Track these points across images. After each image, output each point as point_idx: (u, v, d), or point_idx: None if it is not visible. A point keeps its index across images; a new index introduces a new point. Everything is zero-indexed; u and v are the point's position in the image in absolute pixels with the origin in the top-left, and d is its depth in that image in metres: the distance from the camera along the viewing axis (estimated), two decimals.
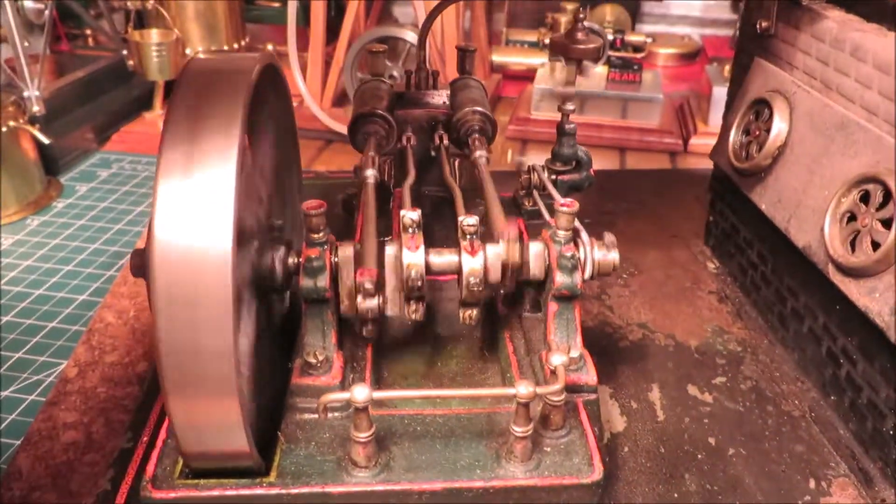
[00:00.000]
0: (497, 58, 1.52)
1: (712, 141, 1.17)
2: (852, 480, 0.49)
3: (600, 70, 1.36)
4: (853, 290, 0.46)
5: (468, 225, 0.44)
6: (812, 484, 0.49)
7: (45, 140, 1.04)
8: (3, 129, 0.98)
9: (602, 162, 1.16)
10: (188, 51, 1.27)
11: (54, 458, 0.58)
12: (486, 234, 0.46)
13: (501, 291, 0.55)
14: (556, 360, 0.41)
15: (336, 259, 0.45)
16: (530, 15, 1.74)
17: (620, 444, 0.52)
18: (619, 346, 0.61)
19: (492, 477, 0.40)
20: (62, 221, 1.00)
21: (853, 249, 0.46)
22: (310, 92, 1.24)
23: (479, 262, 0.44)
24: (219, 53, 1.32)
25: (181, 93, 0.38)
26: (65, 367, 0.68)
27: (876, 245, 0.44)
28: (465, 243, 0.44)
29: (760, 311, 0.64)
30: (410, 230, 0.44)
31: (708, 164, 0.73)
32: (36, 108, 1.12)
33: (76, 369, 0.67)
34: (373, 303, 0.44)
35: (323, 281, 0.44)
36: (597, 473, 0.40)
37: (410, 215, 0.44)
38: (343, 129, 1.21)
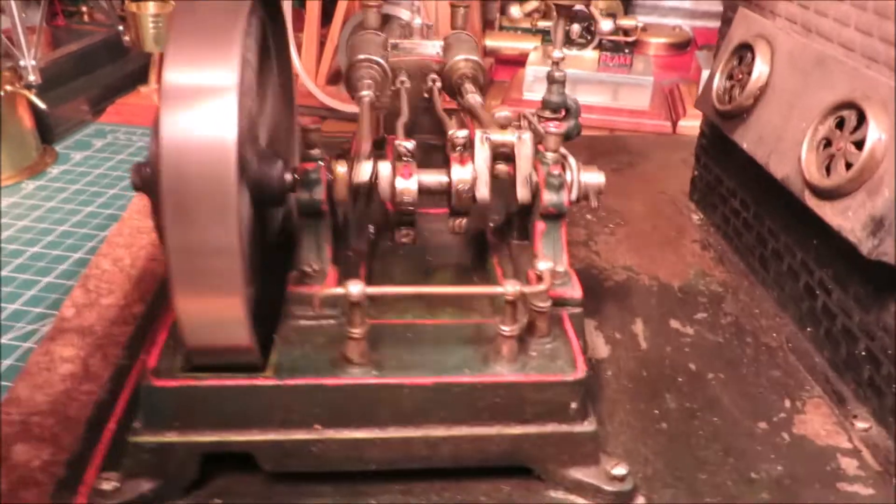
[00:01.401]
0: (490, 42, 1.54)
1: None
2: (826, 401, 0.51)
3: (592, 54, 1.38)
4: (828, 212, 0.48)
5: (458, 137, 0.46)
6: (787, 403, 0.51)
7: (42, 105, 1.05)
8: (1, 93, 0.99)
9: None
10: None
11: (52, 387, 0.59)
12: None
13: (490, 224, 0.57)
14: (543, 265, 0.42)
15: (329, 175, 0.46)
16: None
17: (604, 368, 0.53)
18: (604, 285, 0.63)
19: (480, 374, 0.41)
20: (57, 186, 1.01)
21: (828, 174, 0.48)
22: (305, 70, 1.25)
23: (467, 171, 0.46)
24: None
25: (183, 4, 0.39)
26: (62, 308, 0.69)
27: (849, 166, 0.46)
28: (454, 154, 0.46)
29: (742, 256, 0.66)
30: (405, 158, 0.46)
31: (691, 134, 0.75)
32: (32, 78, 1.13)
33: (73, 310, 0.68)
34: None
35: (319, 194, 0.46)
36: (580, 373, 0.42)
37: (405, 144, 0.46)
38: (338, 106, 1.23)
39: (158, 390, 0.39)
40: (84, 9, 1.48)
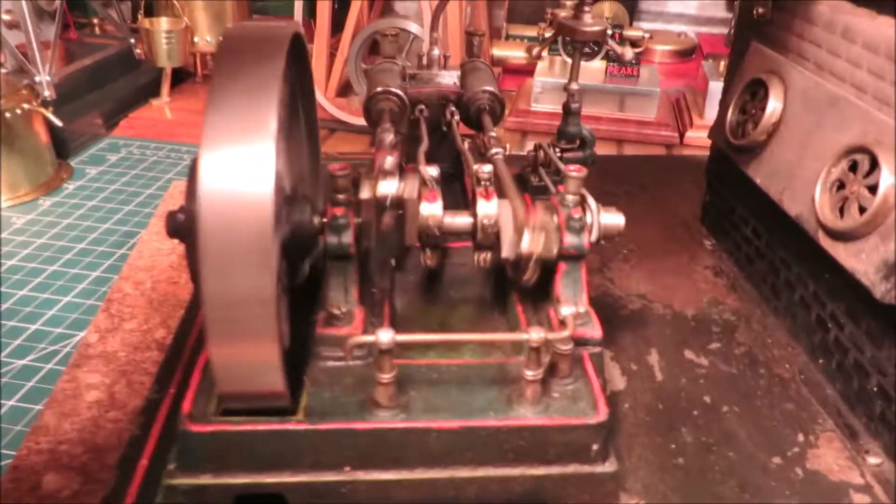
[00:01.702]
0: (497, 52, 1.55)
1: None
2: (838, 435, 0.52)
3: (598, 64, 1.39)
4: (841, 253, 0.49)
5: (484, 172, 0.47)
6: (801, 437, 0.52)
7: (58, 122, 1.07)
8: (18, 111, 1.01)
9: (601, 153, 1.19)
10: (196, 39, 1.29)
11: (79, 415, 0.60)
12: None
13: (522, 276, 0.58)
14: (566, 310, 0.44)
15: (357, 218, 0.48)
16: (530, 10, 1.77)
17: (621, 400, 0.55)
18: (619, 314, 0.64)
19: (505, 417, 0.43)
20: (73, 202, 1.03)
21: (842, 215, 0.50)
22: (315, 81, 1.26)
23: (493, 206, 0.47)
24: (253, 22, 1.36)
25: (223, 56, 0.40)
26: (86, 333, 0.70)
27: (862, 210, 0.48)
28: (480, 189, 0.47)
29: (754, 284, 0.67)
30: (430, 184, 0.47)
31: (705, 154, 0.76)
32: (47, 93, 1.15)
33: (97, 335, 0.70)
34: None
35: (347, 238, 0.47)
36: (602, 415, 0.43)
37: (430, 171, 0.47)
38: (347, 118, 1.24)
39: (194, 435, 0.41)
40: (95, 21, 1.50)
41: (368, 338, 0.41)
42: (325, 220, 0.48)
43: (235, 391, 0.40)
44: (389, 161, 0.44)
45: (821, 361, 0.57)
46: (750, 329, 0.62)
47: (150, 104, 1.33)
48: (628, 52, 0.64)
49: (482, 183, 0.48)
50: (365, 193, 0.47)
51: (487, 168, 0.48)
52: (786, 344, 0.61)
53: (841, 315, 0.55)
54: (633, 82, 1.34)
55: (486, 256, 0.49)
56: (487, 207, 0.47)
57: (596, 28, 0.64)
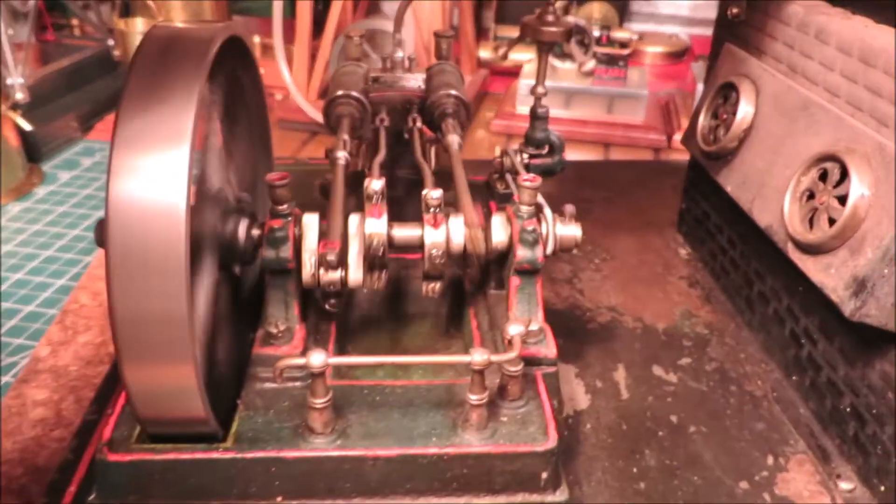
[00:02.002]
0: (485, 53, 1.52)
1: None
2: (810, 457, 0.49)
3: (591, 65, 1.36)
4: (810, 267, 0.47)
5: (432, 198, 0.44)
6: (770, 460, 0.49)
7: (28, 127, 1.04)
8: None
9: (587, 157, 1.17)
10: None
11: (22, 434, 0.58)
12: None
13: (468, 269, 0.56)
14: (513, 329, 0.41)
15: (297, 230, 0.45)
16: (519, 12, 1.75)
17: (583, 420, 0.52)
18: (587, 328, 0.62)
19: (447, 444, 0.40)
20: (43, 208, 1.00)
21: (811, 227, 0.47)
22: (295, 84, 1.24)
23: (441, 234, 0.44)
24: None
25: (140, 60, 0.38)
26: (37, 347, 0.68)
27: (832, 221, 0.45)
28: (428, 216, 0.44)
29: (729, 295, 0.64)
30: (374, 199, 0.44)
31: (683, 159, 0.74)
32: (19, 96, 1.12)
33: (48, 348, 0.67)
34: (335, 275, 0.44)
35: (286, 252, 0.44)
36: (551, 442, 0.40)
37: (374, 184, 0.44)
38: None
39: (112, 465, 0.38)
40: (74, 22, 1.47)
41: (299, 360, 0.39)
42: (263, 231, 0.45)
43: (154, 416, 0.38)
44: (332, 254, 0.41)
45: (794, 378, 0.54)
46: (723, 343, 0.60)
47: None
48: (589, 63, 0.61)
49: (430, 209, 0.45)
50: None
51: (436, 194, 0.45)
52: (759, 360, 0.58)
53: (814, 331, 0.52)
54: (621, 84, 1.32)
55: (434, 287, 0.47)
56: (435, 235, 0.44)
57: (556, 29, 0.61)
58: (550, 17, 0.61)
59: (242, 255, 0.45)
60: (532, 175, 0.46)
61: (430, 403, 0.43)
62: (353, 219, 0.45)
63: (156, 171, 0.35)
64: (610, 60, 1.34)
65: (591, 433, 0.51)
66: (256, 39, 1.44)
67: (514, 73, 1.43)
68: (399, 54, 0.69)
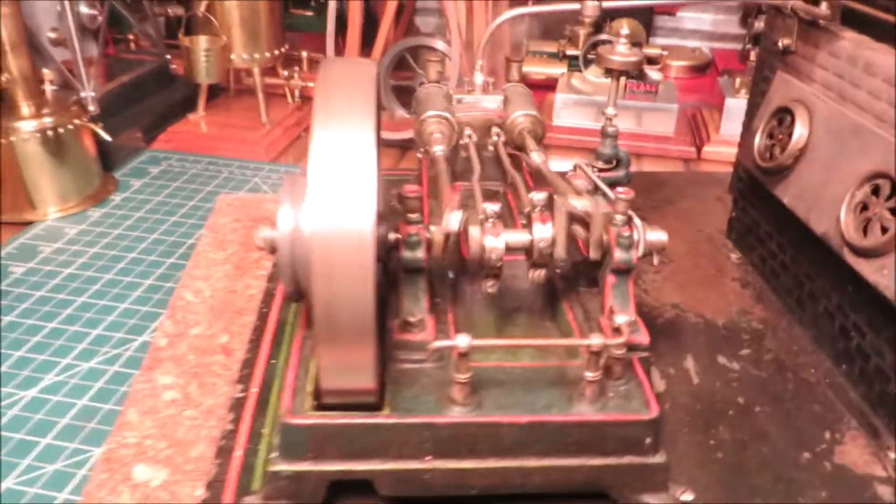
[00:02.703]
0: (527, 68, 1.60)
1: (725, 149, 1.26)
2: (862, 433, 0.57)
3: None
4: (865, 268, 0.54)
5: (538, 199, 0.52)
6: (828, 435, 0.57)
7: (107, 137, 1.12)
8: (70, 126, 1.06)
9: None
10: (233, 56, 1.35)
11: (159, 413, 0.65)
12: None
13: (558, 271, 0.63)
14: (621, 318, 0.49)
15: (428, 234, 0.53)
16: (546, 27, 1.83)
17: (662, 401, 0.60)
18: (655, 323, 0.69)
19: (567, 414, 0.48)
20: (121, 213, 1.08)
21: (865, 234, 0.55)
22: None
23: (548, 229, 0.52)
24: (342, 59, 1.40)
25: (323, 89, 0.45)
26: (155, 338, 0.76)
27: (885, 230, 0.53)
28: (535, 214, 0.52)
29: (779, 296, 0.72)
30: (491, 220, 0.52)
31: (723, 168, 0.81)
32: (91, 108, 1.20)
33: (166, 339, 0.75)
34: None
35: (420, 253, 0.52)
36: (654, 412, 0.48)
37: (492, 207, 0.52)
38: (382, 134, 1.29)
39: (295, 427, 0.46)
40: (131, 37, 1.55)
41: (448, 342, 0.46)
42: (398, 235, 0.53)
43: (334, 387, 0.45)
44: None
45: (844, 367, 0.62)
46: (777, 337, 0.68)
47: (187, 118, 1.38)
48: (655, 75, 0.69)
49: (536, 209, 0.53)
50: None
51: (541, 196, 0.53)
52: (811, 351, 0.66)
53: (863, 325, 0.60)
54: (652, 98, 1.39)
55: (540, 274, 0.54)
56: (543, 231, 0.52)
57: (632, 59, 0.69)
58: (624, 48, 0.69)
59: (382, 256, 0.53)
60: (626, 189, 0.54)
61: (545, 382, 0.51)
62: (475, 229, 0.53)
63: (348, 185, 0.42)
64: (641, 75, 1.42)
65: (669, 412, 0.59)
66: (304, 54, 1.52)
67: (548, 86, 1.51)
68: (479, 78, 0.77)
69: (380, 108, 0.62)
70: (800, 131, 0.64)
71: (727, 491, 0.52)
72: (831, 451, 0.56)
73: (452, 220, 0.52)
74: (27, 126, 1.02)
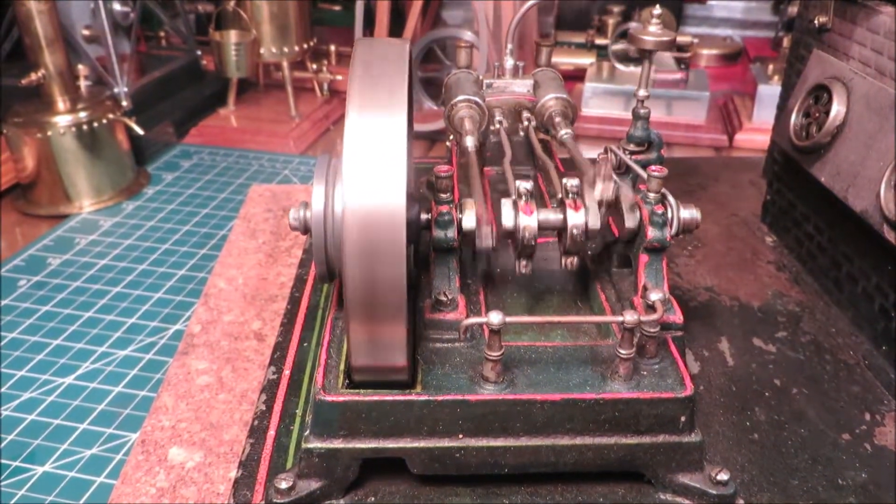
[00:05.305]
0: (557, 59, 1.59)
1: (758, 137, 1.25)
2: None
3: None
4: None
5: (572, 185, 0.52)
6: (867, 417, 0.56)
7: (140, 131, 1.14)
8: (104, 121, 1.08)
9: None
10: (262, 50, 1.36)
11: (193, 397, 0.66)
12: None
13: (589, 252, 0.63)
14: (655, 296, 0.48)
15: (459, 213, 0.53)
16: (573, 16, 1.82)
17: (696, 383, 0.59)
18: (689, 305, 0.69)
19: (601, 391, 0.47)
20: (154, 206, 1.09)
21: None
22: None
23: (581, 216, 0.52)
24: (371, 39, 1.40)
25: (358, 71, 0.45)
26: (189, 325, 0.76)
27: None
28: (569, 201, 0.52)
29: (816, 278, 0.71)
30: (525, 198, 0.52)
31: (759, 154, 0.80)
32: (125, 103, 1.22)
33: (199, 326, 0.76)
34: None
35: (452, 233, 0.52)
36: (688, 390, 0.48)
37: (525, 185, 0.52)
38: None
39: (329, 404, 0.46)
40: (161, 34, 1.57)
41: (481, 319, 0.46)
42: (429, 216, 0.53)
43: (365, 365, 0.46)
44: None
45: (884, 349, 0.61)
46: (814, 319, 0.66)
47: (217, 113, 1.40)
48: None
49: (570, 195, 0.52)
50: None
51: (574, 182, 0.52)
52: (849, 333, 0.64)
53: None
54: (682, 86, 1.38)
55: (572, 261, 0.54)
56: (576, 218, 0.52)
57: (665, 38, 0.68)
58: (656, 28, 0.68)
59: (415, 234, 0.53)
60: (659, 167, 0.54)
61: (579, 360, 0.51)
62: (506, 209, 0.52)
63: (381, 166, 0.42)
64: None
65: (704, 393, 0.58)
66: (332, 48, 1.53)
67: (576, 76, 1.50)
68: (510, 62, 0.77)
69: (412, 87, 0.62)
70: (837, 108, 0.62)
71: (764, 471, 0.51)
72: (871, 433, 0.54)
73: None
74: (63, 121, 1.04)
